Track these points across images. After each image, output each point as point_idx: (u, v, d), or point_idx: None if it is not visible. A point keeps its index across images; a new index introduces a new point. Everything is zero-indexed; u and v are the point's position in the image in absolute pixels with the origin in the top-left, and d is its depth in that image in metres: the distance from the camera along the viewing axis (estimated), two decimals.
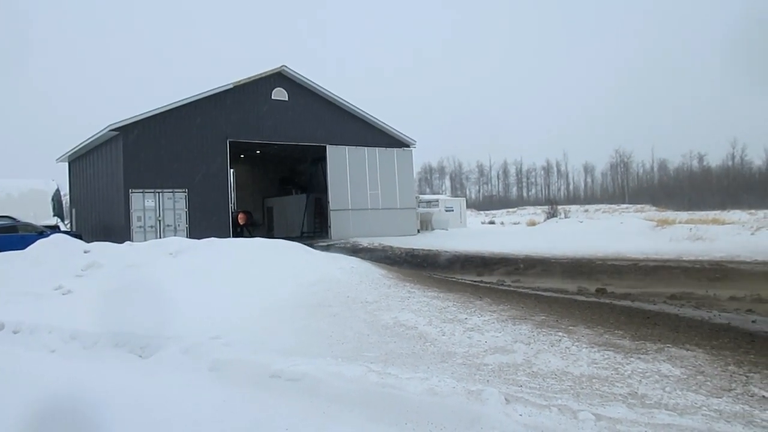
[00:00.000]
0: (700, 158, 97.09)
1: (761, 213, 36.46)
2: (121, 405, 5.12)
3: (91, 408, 5.05)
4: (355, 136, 30.28)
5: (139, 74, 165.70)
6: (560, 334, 7.07)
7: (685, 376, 5.43)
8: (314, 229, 33.49)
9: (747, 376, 5.39)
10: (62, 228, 27.80)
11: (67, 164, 34.68)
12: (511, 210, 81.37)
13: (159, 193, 25.16)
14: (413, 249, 22.15)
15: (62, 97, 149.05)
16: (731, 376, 5.43)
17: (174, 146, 25.40)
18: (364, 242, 25.42)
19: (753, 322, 7.99)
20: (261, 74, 28.01)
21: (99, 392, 5.42)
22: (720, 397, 4.86)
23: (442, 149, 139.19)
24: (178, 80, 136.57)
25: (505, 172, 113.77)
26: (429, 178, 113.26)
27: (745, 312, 8.88)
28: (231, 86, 26.95)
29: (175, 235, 22.31)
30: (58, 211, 31.59)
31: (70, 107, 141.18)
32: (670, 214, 39.66)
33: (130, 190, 24.59)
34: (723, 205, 54.16)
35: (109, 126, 24.50)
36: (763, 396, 4.85)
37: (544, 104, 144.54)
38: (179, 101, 25.87)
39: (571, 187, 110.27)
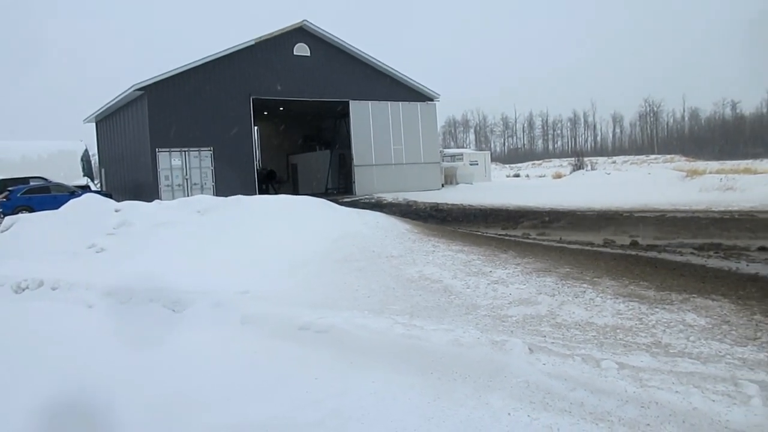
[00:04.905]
0: (734, 106, 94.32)
1: None
2: (157, 357, 5.33)
3: (130, 359, 5.27)
4: (378, 90, 30.04)
5: (161, 33, 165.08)
6: (585, 285, 7.10)
7: (710, 326, 5.45)
8: (339, 185, 33.63)
9: None
10: (92, 188, 28.33)
11: (94, 125, 35.10)
12: (536, 163, 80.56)
13: (185, 151, 25.43)
14: (437, 203, 22.16)
15: (87, 57, 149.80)
16: (757, 325, 5.42)
17: (198, 104, 25.53)
18: (389, 197, 25.49)
19: None
20: (282, 30, 27.78)
21: (136, 345, 5.65)
22: (745, 346, 4.88)
23: (467, 102, 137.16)
24: (199, 38, 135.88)
25: (531, 125, 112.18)
26: (453, 131, 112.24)
27: None
28: (252, 43, 26.82)
29: (201, 193, 22.66)
30: (87, 171, 32.15)
31: (95, 67, 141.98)
32: (700, 165, 38.93)
33: (156, 149, 24.89)
34: (756, 155, 52.84)
35: (133, 86, 24.66)
36: None
37: (571, 53, 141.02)
38: (201, 59, 25.86)
39: (598, 138, 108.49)
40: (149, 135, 24.85)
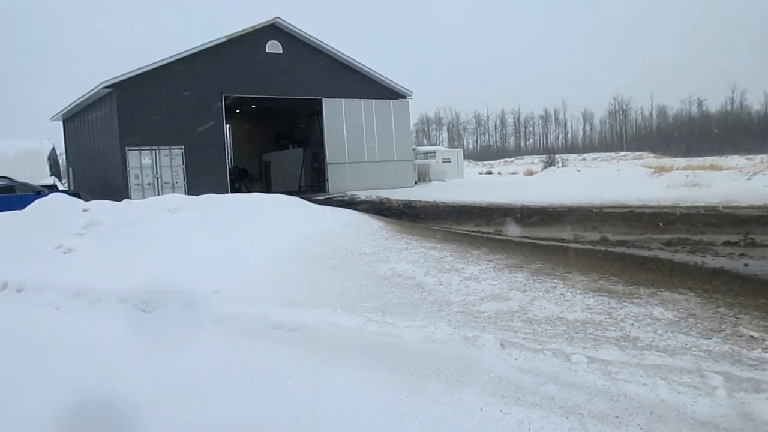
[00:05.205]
0: (700, 103, 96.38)
1: (758, 158, 36.43)
2: (126, 359, 5.25)
3: (96, 361, 5.18)
4: (351, 88, 29.96)
5: (132, 30, 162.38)
6: (555, 281, 7.19)
7: (677, 319, 5.56)
8: (312, 183, 33.51)
9: (737, 318, 5.52)
10: (60, 187, 27.74)
11: (61, 123, 34.41)
12: (508, 160, 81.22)
13: (155, 150, 25.07)
14: (410, 201, 22.23)
15: (54, 54, 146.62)
16: (721, 317, 5.56)
17: (169, 102, 25.16)
18: (362, 195, 25.48)
19: (745, 265, 8.12)
20: (254, 27, 27.54)
21: (104, 347, 5.55)
22: (710, 338, 4.99)
23: (439, 100, 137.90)
24: (171, 36, 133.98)
25: (503, 122, 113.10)
26: (426, 129, 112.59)
27: (738, 256, 9.00)
28: (224, 40, 26.52)
29: (173, 192, 22.38)
30: (54, 171, 31.44)
31: (61, 64, 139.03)
32: (667, 161, 39.67)
33: (126, 148, 24.49)
34: (721, 151, 54.01)
35: (102, 83, 24.21)
36: (751, 336, 4.99)
37: (542, 52, 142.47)
38: (172, 56, 25.50)
39: (569, 135, 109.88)
40: (118, 133, 24.42)
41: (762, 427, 3.47)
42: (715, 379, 4.06)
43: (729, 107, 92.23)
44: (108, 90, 24.56)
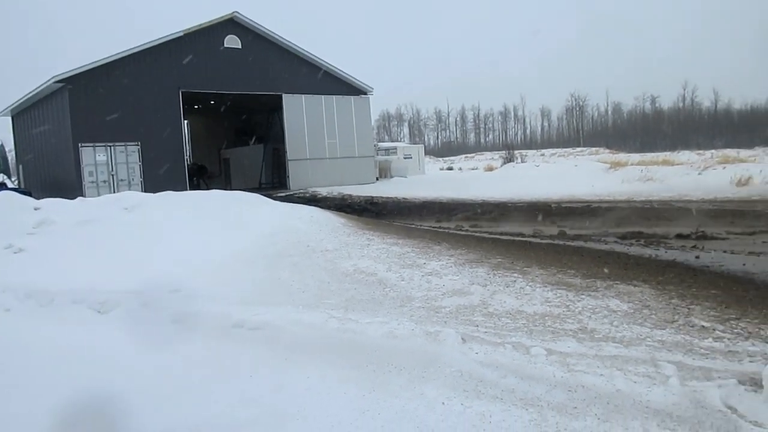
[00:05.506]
0: (653, 100, 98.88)
1: (708, 153, 37.65)
2: (79, 361, 5.12)
3: (49, 363, 5.04)
4: (312, 84, 29.75)
5: (86, 22, 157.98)
6: (515, 275, 7.30)
7: (632, 311, 5.71)
8: (272, 179, 33.18)
9: (689, 309, 5.70)
10: (9, 185, 26.78)
11: (10, 118, 33.26)
12: (469, 156, 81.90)
13: (111, 146, 24.47)
14: (372, 197, 22.25)
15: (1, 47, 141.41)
16: (675, 309, 5.73)
17: (124, 97, 24.54)
18: (323, 191, 25.38)
19: (696, 257, 8.38)
20: (211, 21, 27.10)
21: (56, 349, 5.40)
22: (663, 329, 5.14)
23: (400, 96, 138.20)
24: (126, 30, 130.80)
25: (463, 118, 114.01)
26: (387, 125, 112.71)
27: (690, 248, 9.29)
28: (181, 34, 26.05)
29: (129, 190, 21.89)
30: (3, 168, 30.34)
31: (10, 57, 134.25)
32: (622, 156, 40.57)
33: (79, 145, 23.82)
34: (673, 146, 55.47)
35: (53, 77, 23.48)
36: (703, 326, 5.15)
37: (501, 48, 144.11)
38: (128, 50, 24.90)
39: (528, 131, 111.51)
40: (71, 129, 23.73)
41: (713, 414, 3.59)
42: (669, 368, 4.18)
43: (681, 104, 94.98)
44: (60, 84, 23.84)
